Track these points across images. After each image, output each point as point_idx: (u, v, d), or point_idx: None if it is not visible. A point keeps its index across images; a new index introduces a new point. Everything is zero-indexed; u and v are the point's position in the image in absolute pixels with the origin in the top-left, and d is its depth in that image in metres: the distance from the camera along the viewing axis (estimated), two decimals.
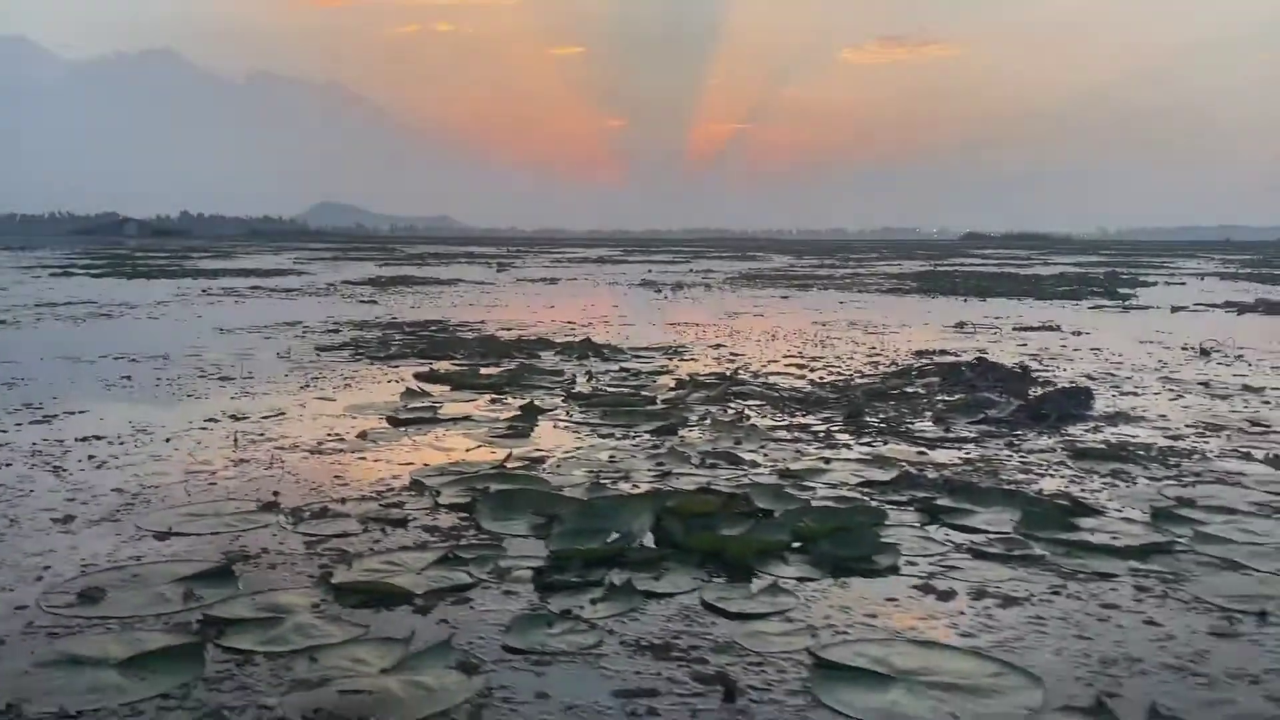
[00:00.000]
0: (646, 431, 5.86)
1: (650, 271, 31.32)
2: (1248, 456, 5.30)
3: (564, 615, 3.01)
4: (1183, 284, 25.72)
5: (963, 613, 3.10)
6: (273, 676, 2.58)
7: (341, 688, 2.51)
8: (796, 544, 3.73)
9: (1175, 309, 16.44)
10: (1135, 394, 7.44)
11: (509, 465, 4.90)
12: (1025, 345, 10.67)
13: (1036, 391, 7.05)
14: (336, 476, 4.62)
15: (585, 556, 3.48)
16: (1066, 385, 7.22)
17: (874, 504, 4.27)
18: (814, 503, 4.26)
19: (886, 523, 4.02)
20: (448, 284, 23.03)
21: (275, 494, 4.26)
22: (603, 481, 4.59)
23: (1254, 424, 6.24)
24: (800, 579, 3.40)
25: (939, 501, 4.33)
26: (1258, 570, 3.48)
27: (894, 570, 3.49)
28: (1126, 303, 17.88)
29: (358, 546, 3.61)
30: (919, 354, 9.64)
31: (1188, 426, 6.17)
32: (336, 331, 11.41)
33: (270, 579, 3.26)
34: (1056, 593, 3.27)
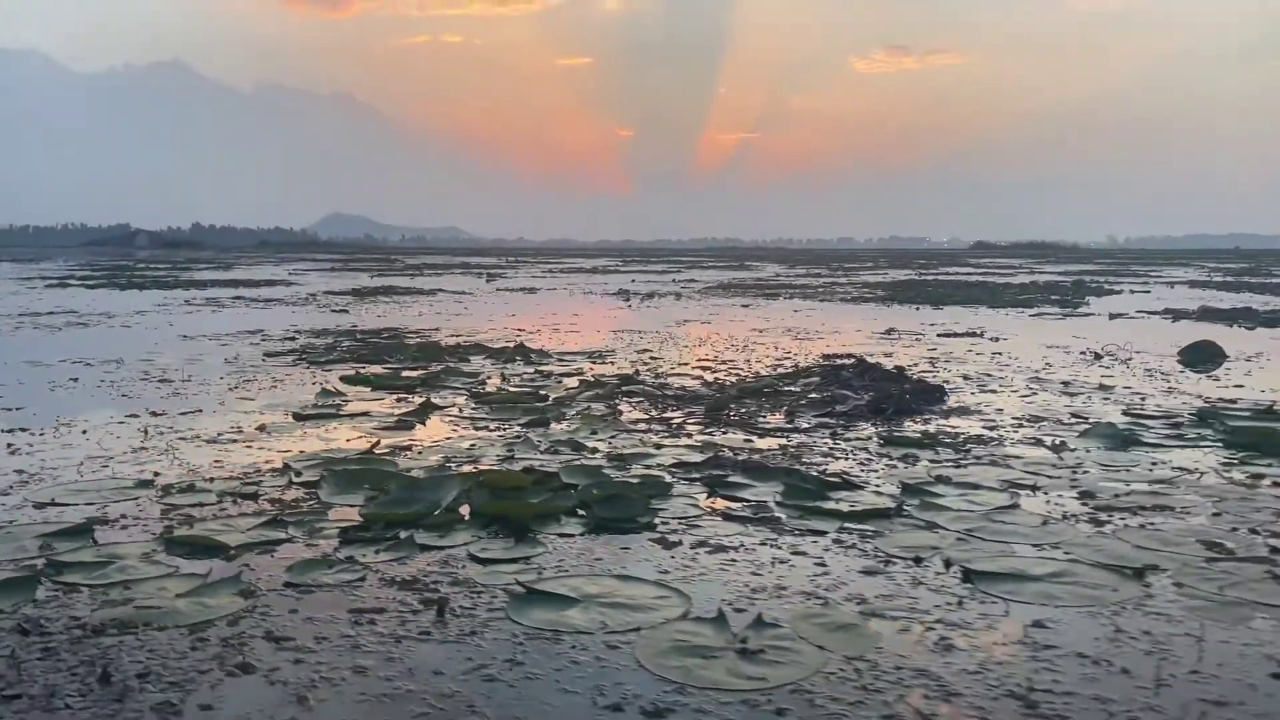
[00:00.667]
0: (519, 424, 6.56)
1: (633, 281, 32.02)
2: (1038, 444, 5.98)
3: (345, 561, 3.73)
4: (1148, 291, 26.33)
5: (674, 557, 3.81)
6: (90, 600, 3.30)
7: (138, 605, 3.23)
8: (581, 510, 4.42)
9: (1113, 316, 17.07)
10: (994, 392, 8.11)
11: (375, 451, 5.61)
12: (934, 350, 11.34)
13: (897, 389, 7.73)
14: (216, 461, 5.35)
15: (388, 519, 4.20)
16: (922, 383, 7.90)
17: (669, 479, 4.97)
18: (620, 479, 4.96)
19: (671, 494, 4.72)
20: (428, 294, 23.78)
21: (155, 474, 4.99)
22: (448, 464, 5.29)
23: (1074, 416, 6.93)
24: (562, 535, 4.11)
25: (729, 478, 5.03)
26: (947, 529, 4.18)
27: (648, 528, 4.19)
28: (1073, 310, 18.51)
29: (204, 514, 4.33)
30: (826, 358, 10.31)
31: (1013, 419, 6.85)
32: (292, 339, 12.14)
33: (119, 536, 3.99)
34: (764, 544, 3.97)
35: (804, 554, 3.85)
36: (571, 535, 4.10)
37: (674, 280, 33.10)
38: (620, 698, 2.62)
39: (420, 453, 5.63)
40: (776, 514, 4.41)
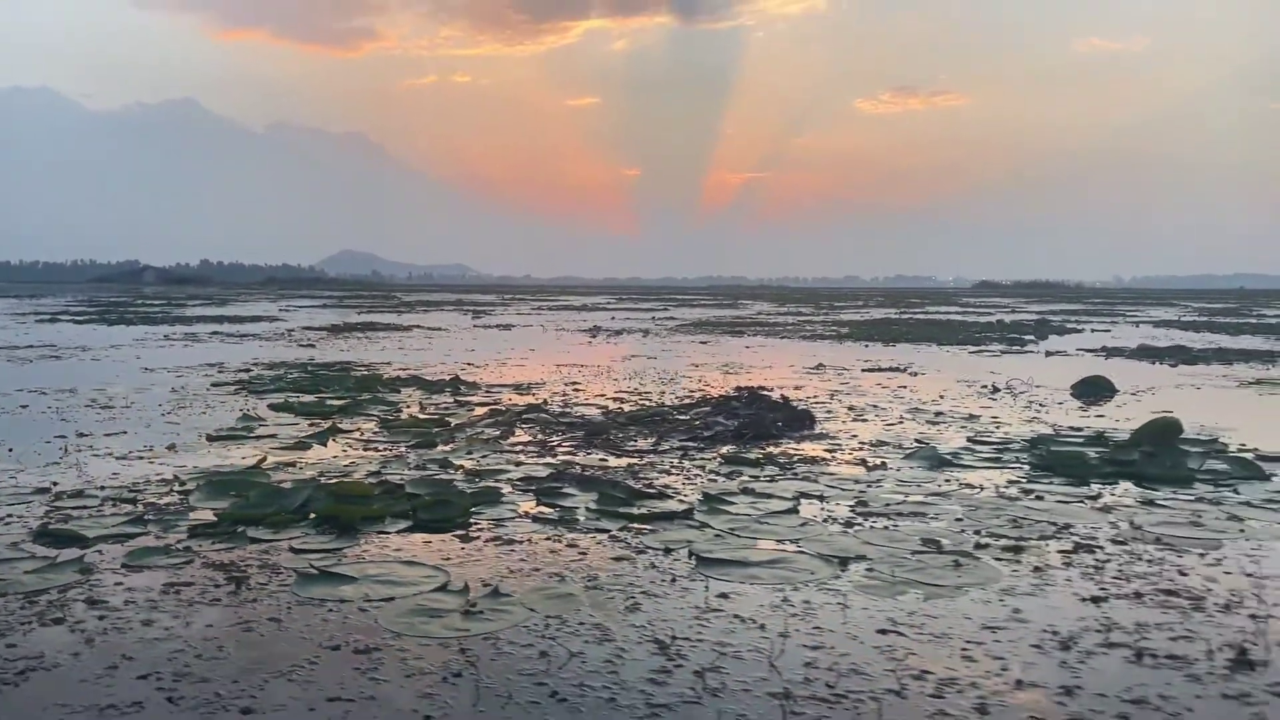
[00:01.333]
0: (406, 446, 7.27)
1: (613, 319, 32.80)
2: (862, 464, 6.67)
3: (182, 549, 4.44)
4: (1108, 330, 27.00)
5: (464, 549, 4.51)
6: None
7: None
8: (408, 513, 5.12)
9: (1050, 354, 17.76)
10: (865, 420, 8.81)
11: (261, 466, 6.32)
12: (845, 383, 12.04)
13: (771, 416, 8.42)
14: (115, 474, 6.06)
15: (236, 518, 4.91)
16: (795, 411, 8.60)
17: (505, 491, 5.67)
18: (462, 489, 5.66)
19: (499, 501, 5.42)
20: (403, 330, 24.55)
21: (54, 484, 5.70)
22: (319, 477, 6.00)
23: (917, 441, 7.61)
24: (381, 532, 4.81)
25: (562, 489, 5.73)
26: (714, 528, 4.87)
27: (460, 526, 4.89)
28: (1018, 348, 19.18)
29: (81, 514, 5.04)
30: (738, 389, 11.00)
31: (861, 443, 7.54)
32: (246, 371, 12.87)
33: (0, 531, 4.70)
34: (548, 539, 4.67)
35: (575, 546, 4.55)
36: (388, 533, 4.80)
37: (653, 318, 33.86)
38: (344, 643, 3.32)
39: (300, 468, 6.33)
40: (578, 517, 5.10)
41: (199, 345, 18.21)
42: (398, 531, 4.81)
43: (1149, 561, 4.34)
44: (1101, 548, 4.56)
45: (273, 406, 9.33)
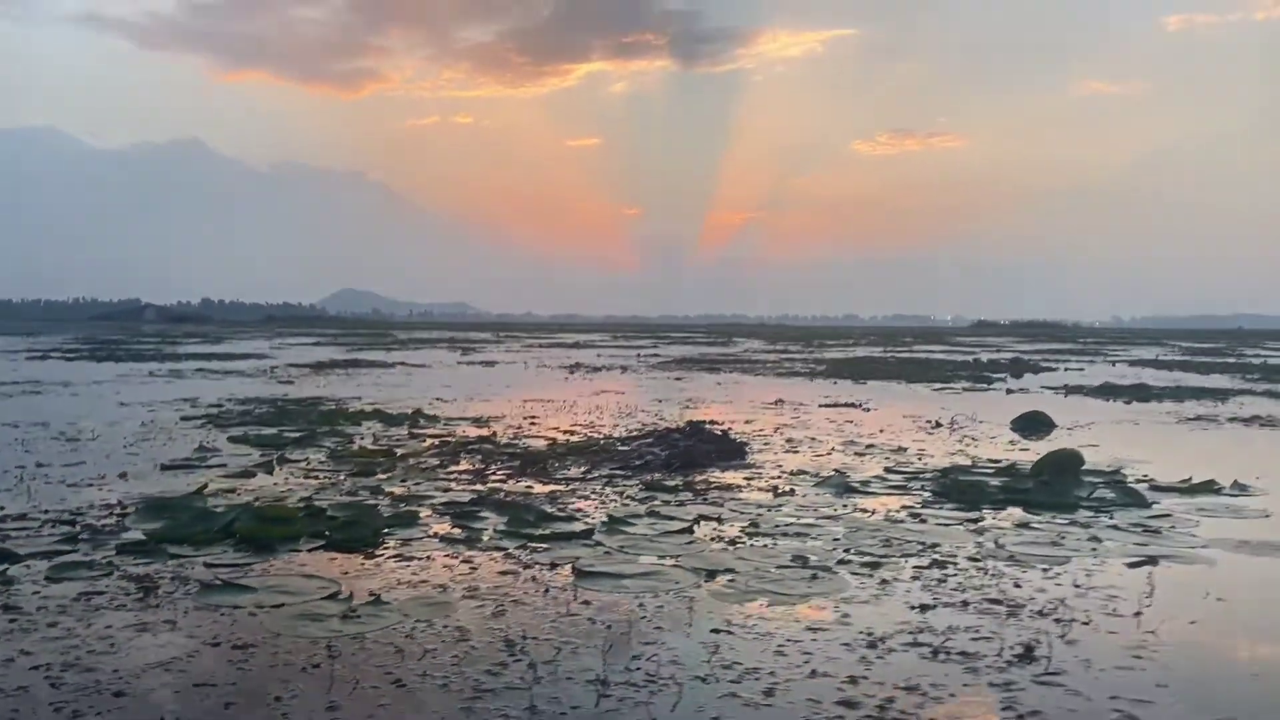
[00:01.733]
0: (347, 474, 7.66)
1: (599, 355, 33.21)
2: (773, 491, 7.06)
3: (105, 564, 4.82)
4: (1082, 369, 27.38)
5: (365, 564, 4.90)
6: None
7: None
8: (323, 534, 5.51)
9: (1010, 391, 18.16)
10: (796, 452, 9.21)
11: (203, 492, 6.71)
12: (796, 417, 12.43)
13: (705, 448, 8.80)
14: (62, 499, 6.45)
15: (162, 537, 5.30)
16: (727, 442, 8.99)
17: (424, 514, 6.06)
18: (386, 513, 6.04)
19: (414, 523, 5.81)
20: (385, 367, 24.96)
21: (2, 508, 6.10)
22: (254, 502, 6.38)
23: (836, 471, 8.00)
24: (294, 550, 5.19)
25: (479, 512, 6.12)
26: (606, 545, 5.26)
27: (369, 545, 5.27)
28: (984, 385, 19.58)
29: (20, 534, 5.43)
30: (686, 423, 11.38)
31: (783, 472, 7.93)
32: (217, 406, 13.27)
33: None
34: (446, 555, 5.05)
35: (469, 562, 4.93)
36: (300, 550, 5.18)
37: (638, 355, 34.27)
38: (225, 640, 3.70)
39: (239, 494, 6.72)
40: (483, 537, 5.48)
41: (180, 382, 18.62)
42: (309, 550, 5.19)
43: (992, 575, 4.73)
44: (955, 563, 4.95)
45: (232, 439, 9.71)
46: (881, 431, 10.94)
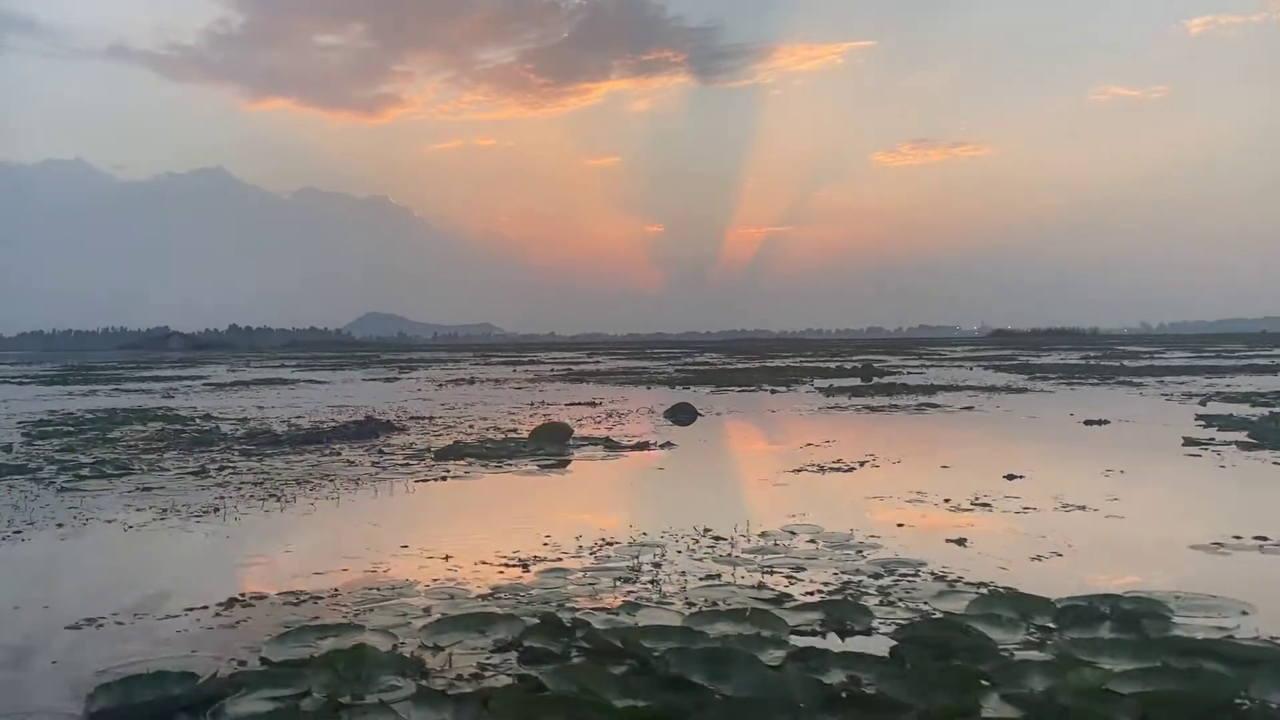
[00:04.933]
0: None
1: (546, 369, 36.46)
2: (379, 454, 10.37)
3: None
4: (922, 372, 30.39)
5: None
6: None
7: None
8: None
9: (774, 392, 21.34)
10: (437, 434, 12.48)
11: None
12: (538, 408, 15.70)
13: (370, 427, 12.13)
14: None
15: None
16: (375, 422, 12.34)
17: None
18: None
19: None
20: (290, 384, 28.31)
21: None
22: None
23: (434, 450, 11.28)
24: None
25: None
26: (164, 488, 8.60)
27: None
28: (784, 389, 22.74)
29: None
30: (367, 416, 14.71)
31: (399, 444, 11.22)
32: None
33: None
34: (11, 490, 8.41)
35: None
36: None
37: (570, 369, 37.47)
38: None
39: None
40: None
41: (89, 398, 22.06)
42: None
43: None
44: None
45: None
46: (555, 415, 14.17)
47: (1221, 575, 4.94)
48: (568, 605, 4.49)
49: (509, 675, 3.59)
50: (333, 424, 13.47)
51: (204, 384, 29.00)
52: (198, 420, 15.00)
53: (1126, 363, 35.91)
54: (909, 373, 30.34)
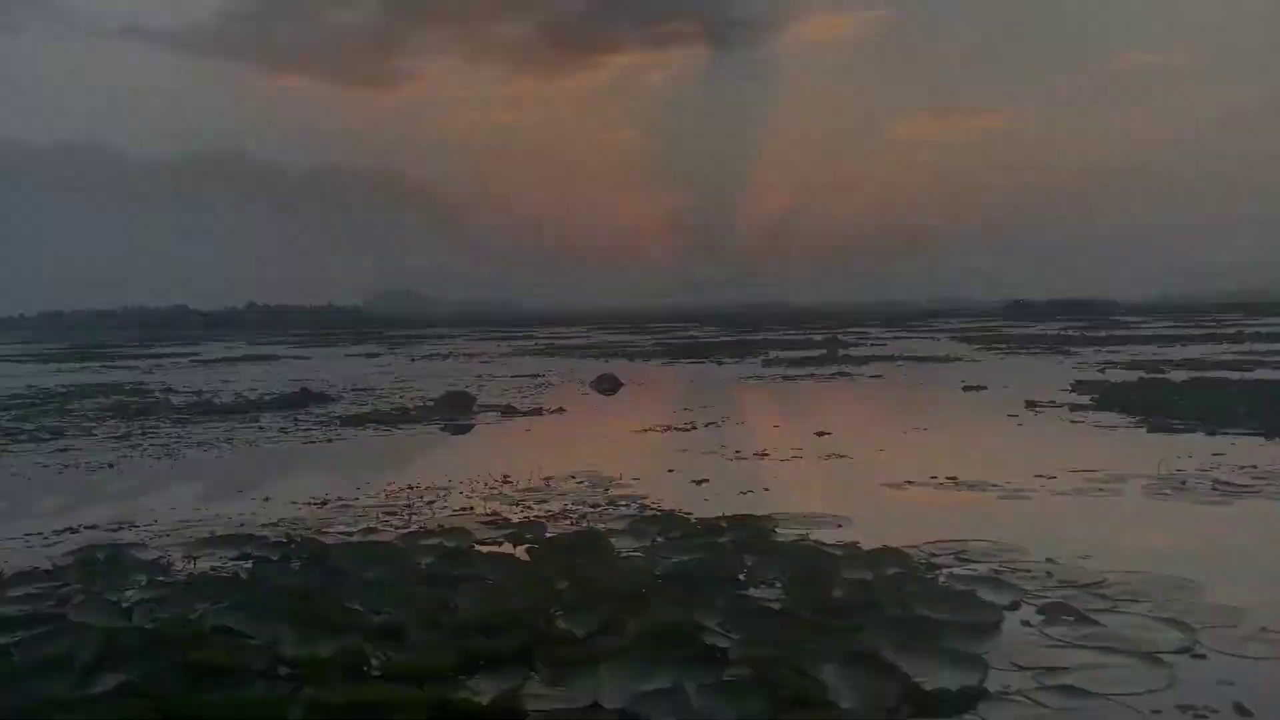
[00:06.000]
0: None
1: (505, 346, 37.63)
2: (293, 421, 11.56)
3: None
4: (884, 344, 31.36)
5: None
6: None
7: None
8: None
9: (721, 364, 22.41)
10: (375, 399, 13.66)
11: None
12: (480, 381, 16.87)
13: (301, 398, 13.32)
14: None
15: None
16: (310, 394, 13.53)
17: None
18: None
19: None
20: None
21: None
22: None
23: (359, 417, 12.48)
24: None
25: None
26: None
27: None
28: (735, 360, 23.82)
29: None
30: (302, 388, 15.89)
31: (330, 411, 12.40)
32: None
33: None
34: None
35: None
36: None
37: (535, 341, 38.58)
38: None
39: None
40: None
41: (74, 374, 23.35)
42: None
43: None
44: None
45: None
46: (509, 393, 15.31)
47: (867, 503, 6.05)
48: (324, 531, 5.64)
49: (227, 573, 4.75)
50: (271, 395, 14.66)
51: (191, 360, 30.27)
52: (157, 394, 16.20)
53: (1102, 333, 36.65)
54: (871, 344, 31.26)
